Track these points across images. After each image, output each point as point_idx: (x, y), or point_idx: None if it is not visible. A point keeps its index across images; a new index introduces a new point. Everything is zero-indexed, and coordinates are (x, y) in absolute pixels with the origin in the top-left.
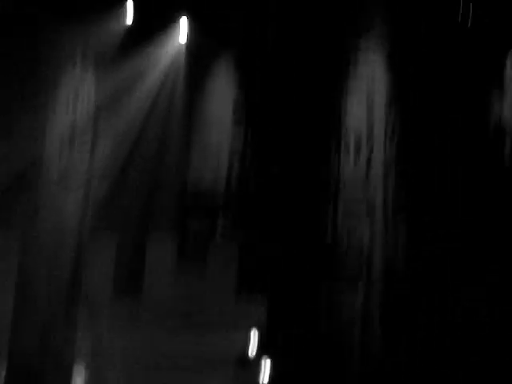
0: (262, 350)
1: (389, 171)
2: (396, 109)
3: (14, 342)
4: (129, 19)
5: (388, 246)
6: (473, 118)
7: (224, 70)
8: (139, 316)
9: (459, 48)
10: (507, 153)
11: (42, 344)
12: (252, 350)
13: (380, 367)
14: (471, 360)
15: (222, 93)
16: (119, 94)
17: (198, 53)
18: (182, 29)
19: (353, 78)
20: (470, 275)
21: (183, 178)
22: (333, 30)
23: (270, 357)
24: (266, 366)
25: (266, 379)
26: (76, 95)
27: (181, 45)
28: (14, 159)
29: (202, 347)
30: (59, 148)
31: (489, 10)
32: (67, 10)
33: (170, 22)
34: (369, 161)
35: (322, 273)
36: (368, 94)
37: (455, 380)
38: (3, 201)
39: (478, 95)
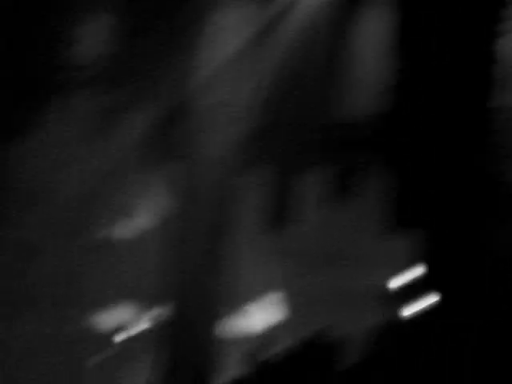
0: (414, 286)
1: None
2: None
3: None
4: None
5: None
6: None
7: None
8: (283, 250)
9: None
10: None
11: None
12: (402, 286)
13: None
14: None
15: (374, 26)
16: (266, 29)
17: None
18: None
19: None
20: None
21: (330, 112)
22: None
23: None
24: (421, 302)
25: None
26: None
27: None
28: (166, 92)
29: (349, 282)
30: (213, 80)
31: None
32: None
33: None
34: None
35: (483, 205)
36: None
37: None
38: (157, 133)
39: None
